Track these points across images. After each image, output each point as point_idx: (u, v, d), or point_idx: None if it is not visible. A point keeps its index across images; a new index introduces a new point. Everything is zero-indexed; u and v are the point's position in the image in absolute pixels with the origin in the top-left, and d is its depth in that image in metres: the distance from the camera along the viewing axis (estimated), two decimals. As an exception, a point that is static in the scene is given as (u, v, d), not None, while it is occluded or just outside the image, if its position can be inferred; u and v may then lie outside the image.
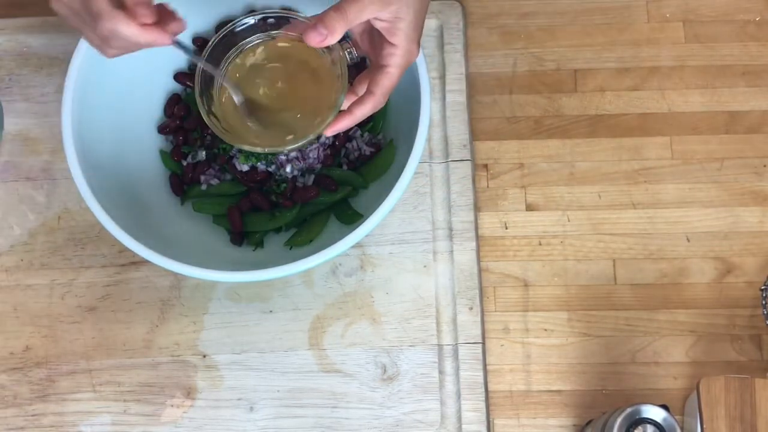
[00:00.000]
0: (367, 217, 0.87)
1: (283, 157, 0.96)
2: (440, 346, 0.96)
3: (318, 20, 0.75)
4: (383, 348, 0.97)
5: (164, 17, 0.72)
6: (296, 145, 0.80)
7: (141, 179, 0.97)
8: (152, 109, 1.00)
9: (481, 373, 0.95)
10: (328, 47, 0.78)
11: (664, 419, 0.81)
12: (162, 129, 1.00)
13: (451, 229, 0.99)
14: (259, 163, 0.96)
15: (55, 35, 1.04)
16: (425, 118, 0.89)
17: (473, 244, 0.98)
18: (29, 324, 0.98)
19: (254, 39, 0.83)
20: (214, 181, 0.98)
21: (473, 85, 1.04)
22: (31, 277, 0.99)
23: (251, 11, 1.00)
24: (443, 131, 1.01)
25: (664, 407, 0.81)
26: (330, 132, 0.79)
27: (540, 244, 1.00)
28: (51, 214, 1.01)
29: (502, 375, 0.97)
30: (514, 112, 1.03)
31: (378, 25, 0.77)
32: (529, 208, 1.01)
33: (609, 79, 1.04)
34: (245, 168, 0.96)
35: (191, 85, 1.00)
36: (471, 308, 0.97)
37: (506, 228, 1.00)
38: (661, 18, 1.06)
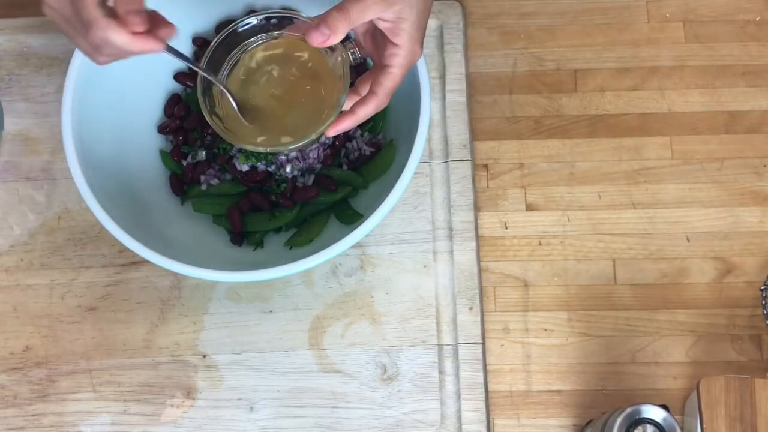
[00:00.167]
0: (367, 217, 0.87)
1: (283, 157, 0.96)
2: (440, 346, 0.96)
3: (321, 20, 0.75)
4: (383, 348, 0.97)
5: (155, 23, 0.72)
6: (298, 145, 0.80)
7: (141, 179, 0.97)
8: (152, 109, 1.00)
9: (481, 373, 0.95)
10: (330, 47, 0.78)
11: (664, 419, 0.81)
12: (162, 129, 1.00)
13: (451, 229, 0.99)
14: (259, 163, 0.96)
15: (55, 35, 1.04)
16: (425, 118, 0.89)
17: (473, 244, 0.98)
18: (29, 324, 0.98)
19: (257, 39, 0.82)
20: (214, 181, 0.98)
21: (473, 85, 1.04)
22: (31, 277, 0.99)
23: (251, 11, 1.00)
24: (443, 131, 1.01)
25: (664, 407, 0.81)
26: (332, 132, 0.79)
27: (540, 244, 1.00)
28: (51, 214, 1.01)
29: (502, 375, 0.97)
30: (514, 112, 1.03)
31: (381, 25, 0.77)
32: (529, 208, 1.01)
33: (609, 79, 1.04)
34: (245, 168, 0.96)
35: (191, 85, 1.00)
36: (471, 308, 0.97)
37: (506, 228, 1.00)
38: (661, 18, 1.06)
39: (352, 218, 0.95)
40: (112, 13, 0.69)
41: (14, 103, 1.04)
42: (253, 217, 0.97)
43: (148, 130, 1.00)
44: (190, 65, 0.78)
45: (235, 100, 0.81)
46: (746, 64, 1.04)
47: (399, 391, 0.95)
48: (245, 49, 0.83)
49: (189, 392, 0.96)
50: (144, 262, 0.90)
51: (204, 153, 0.98)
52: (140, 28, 0.70)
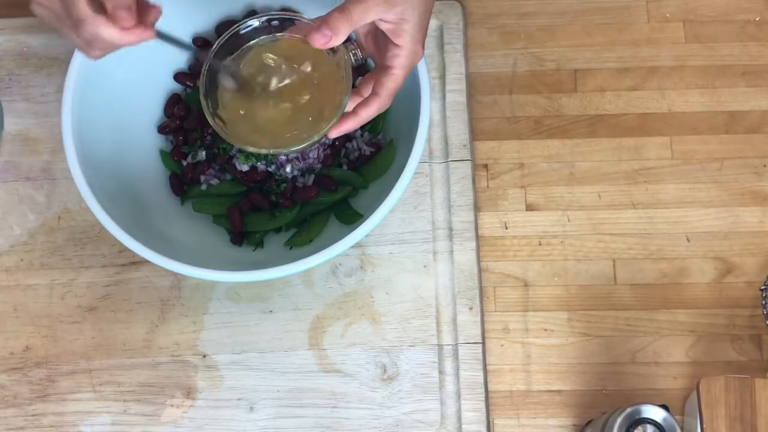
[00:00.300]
0: (367, 217, 0.87)
1: (283, 158, 0.96)
2: (440, 346, 0.96)
3: (322, 22, 0.75)
4: (383, 348, 0.97)
5: (143, 11, 0.72)
6: (301, 147, 0.80)
7: (141, 179, 0.97)
8: (152, 109, 1.00)
9: (481, 373, 0.95)
10: (332, 49, 0.78)
11: (664, 419, 0.81)
12: (162, 129, 1.00)
13: (451, 229, 0.99)
14: (259, 163, 0.96)
15: (55, 35, 1.04)
16: (425, 118, 0.89)
17: (473, 244, 0.98)
18: (29, 324, 0.98)
19: (258, 41, 0.82)
20: (214, 181, 0.98)
21: (473, 85, 1.04)
22: (31, 277, 0.99)
23: (252, 11, 1.00)
24: (443, 131, 1.01)
25: (664, 407, 0.81)
26: (334, 134, 0.79)
27: (540, 244, 1.00)
28: (51, 214, 1.01)
29: (502, 375, 0.97)
30: (514, 112, 1.03)
31: (383, 26, 0.77)
32: (529, 208, 1.01)
33: (609, 79, 1.04)
34: (245, 168, 0.96)
35: (191, 85, 1.00)
36: (471, 308, 0.97)
37: (506, 228, 1.00)
38: (661, 18, 1.06)
39: (352, 218, 0.95)
40: (101, 8, 0.69)
41: (14, 103, 1.04)
42: (253, 217, 0.97)
43: (148, 130, 1.00)
44: (183, 47, 0.78)
45: (236, 82, 0.81)
46: (746, 64, 1.04)
47: (399, 391, 0.95)
48: (247, 51, 0.83)
49: (189, 392, 0.96)
50: (144, 262, 0.90)
51: (204, 153, 0.98)
52: (129, 23, 0.70)
